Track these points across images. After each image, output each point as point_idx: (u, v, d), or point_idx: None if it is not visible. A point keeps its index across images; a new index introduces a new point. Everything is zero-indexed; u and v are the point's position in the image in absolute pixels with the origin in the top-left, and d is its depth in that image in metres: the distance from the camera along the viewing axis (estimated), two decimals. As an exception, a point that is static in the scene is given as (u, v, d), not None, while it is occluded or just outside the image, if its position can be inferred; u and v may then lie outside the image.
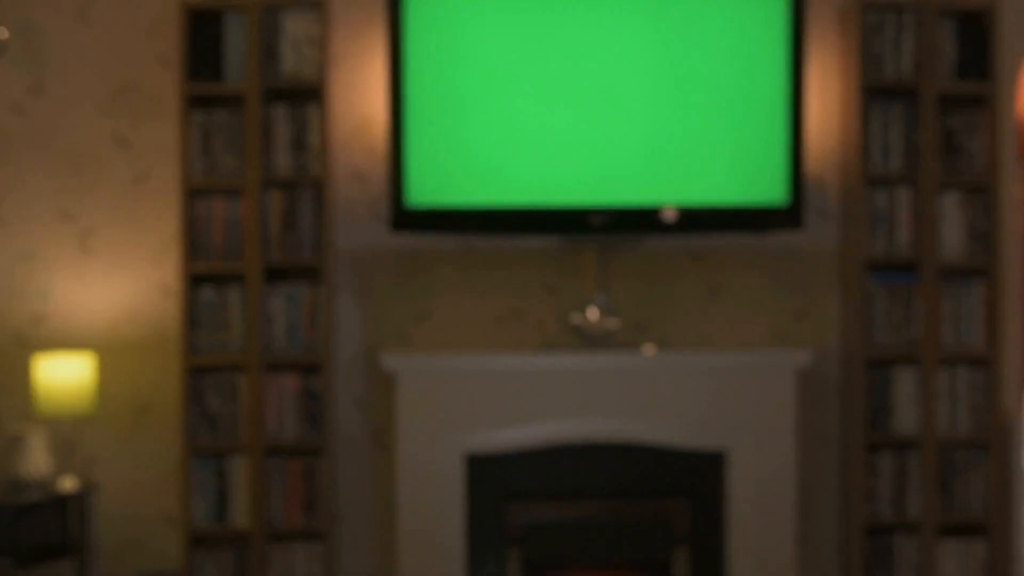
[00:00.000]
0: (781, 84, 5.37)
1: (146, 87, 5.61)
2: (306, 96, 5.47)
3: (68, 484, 5.40)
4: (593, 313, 5.47)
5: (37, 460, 5.38)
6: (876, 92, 5.49)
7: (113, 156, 5.62)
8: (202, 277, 5.45)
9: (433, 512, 5.34)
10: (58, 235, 5.61)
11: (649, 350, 5.45)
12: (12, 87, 5.61)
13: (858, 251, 5.44)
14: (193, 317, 5.41)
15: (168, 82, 5.60)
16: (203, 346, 5.42)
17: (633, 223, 5.42)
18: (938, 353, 5.46)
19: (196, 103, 5.46)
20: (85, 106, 5.61)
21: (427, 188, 5.37)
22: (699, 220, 5.40)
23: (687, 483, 5.45)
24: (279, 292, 5.43)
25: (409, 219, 5.38)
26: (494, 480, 5.45)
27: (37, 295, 5.60)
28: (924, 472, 5.46)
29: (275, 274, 5.48)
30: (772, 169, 5.39)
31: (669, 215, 5.37)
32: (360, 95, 5.58)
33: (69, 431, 5.60)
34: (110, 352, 5.59)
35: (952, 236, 5.48)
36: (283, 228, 5.43)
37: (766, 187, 5.40)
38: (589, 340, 5.48)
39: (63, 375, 5.30)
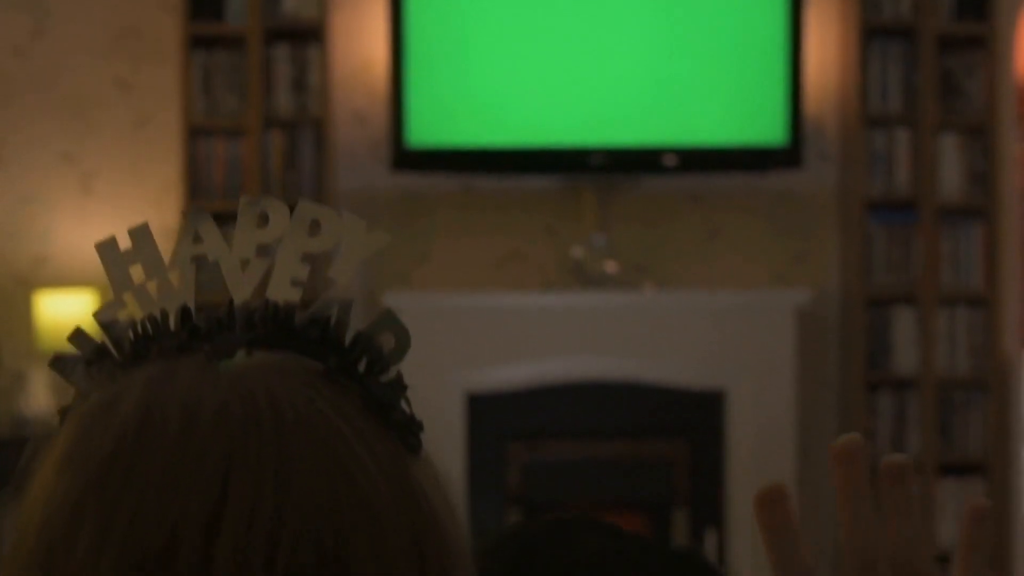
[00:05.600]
0: (780, 24, 5.38)
1: (147, 30, 5.63)
2: (307, 37, 5.49)
3: (69, 422, 5.42)
4: (592, 252, 5.48)
5: (39, 397, 5.40)
6: (875, 32, 5.50)
7: (114, 99, 5.63)
8: (203, 217, 5.45)
9: (434, 450, 5.33)
10: (60, 178, 5.63)
11: (649, 289, 5.46)
12: (13, 30, 5.63)
13: (857, 191, 5.45)
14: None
15: (169, 25, 5.61)
16: (203, 287, 5.43)
17: (632, 163, 5.44)
18: (937, 293, 5.48)
19: (197, 44, 5.47)
20: (86, 49, 5.63)
21: (427, 127, 5.38)
22: (698, 160, 5.42)
23: (686, 422, 5.47)
24: (280, 231, 5.44)
25: (409, 158, 5.39)
26: (494, 419, 5.46)
27: (39, 237, 5.62)
28: (923, 412, 5.47)
29: (276, 214, 5.49)
30: (771, 109, 5.40)
31: (669, 159, 5.39)
32: (361, 36, 5.60)
33: (71, 371, 5.61)
34: (110, 291, 5.60)
35: (951, 176, 5.50)
36: (284, 168, 5.45)
37: (765, 127, 5.41)
38: (588, 280, 5.49)
39: (64, 313, 5.32)
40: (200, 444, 0.70)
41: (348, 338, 0.76)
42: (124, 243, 0.82)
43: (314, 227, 0.78)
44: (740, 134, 5.41)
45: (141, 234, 0.81)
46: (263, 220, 0.79)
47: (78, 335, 0.81)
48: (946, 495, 5.48)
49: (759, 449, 5.39)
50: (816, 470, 5.67)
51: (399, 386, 0.76)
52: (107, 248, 0.81)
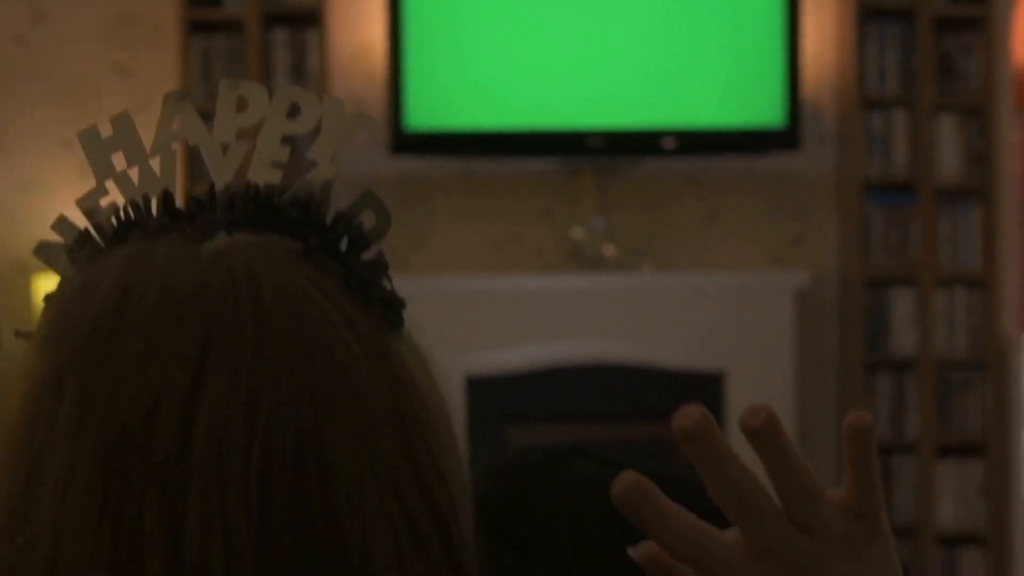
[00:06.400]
0: (778, 5, 5.39)
1: (146, 15, 5.64)
2: (305, 21, 5.49)
3: (70, 406, 5.42)
4: (591, 235, 5.49)
5: (39, 381, 5.41)
6: (872, 14, 5.50)
7: (114, 85, 5.64)
8: (202, 201, 5.46)
9: (433, 433, 5.35)
10: (59, 164, 5.63)
11: (648, 272, 5.47)
12: (12, 17, 5.64)
13: (855, 173, 5.46)
14: (193, 241, 5.44)
15: (168, 11, 5.62)
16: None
17: (631, 146, 5.44)
18: (936, 274, 5.48)
19: (196, 29, 5.48)
20: (85, 35, 5.64)
21: (426, 111, 5.39)
22: (696, 142, 5.42)
23: (685, 404, 5.46)
24: (279, 216, 5.45)
25: (408, 142, 5.40)
26: (494, 402, 5.47)
27: (38, 223, 5.63)
28: (922, 393, 5.47)
29: (275, 198, 5.50)
30: (769, 91, 5.41)
31: (667, 141, 5.39)
32: (359, 20, 5.61)
33: (71, 357, 5.62)
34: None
35: (948, 158, 5.50)
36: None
37: (763, 109, 5.41)
38: (587, 263, 5.50)
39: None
40: (179, 317, 0.70)
41: (329, 218, 0.77)
42: (106, 131, 0.83)
43: (294, 110, 0.79)
44: (738, 116, 5.41)
45: (122, 122, 0.82)
46: (243, 104, 0.80)
47: (61, 222, 0.82)
48: (945, 477, 5.49)
49: (758, 431, 5.39)
50: (816, 451, 5.68)
51: (380, 264, 0.77)
52: (89, 136, 0.82)
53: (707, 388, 5.45)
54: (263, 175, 0.78)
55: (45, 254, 0.82)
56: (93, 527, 0.67)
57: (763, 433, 0.72)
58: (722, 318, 5.40)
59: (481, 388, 5.45)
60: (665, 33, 5.39)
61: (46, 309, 0.77)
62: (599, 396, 5.45)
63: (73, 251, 0.80)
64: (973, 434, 5.49)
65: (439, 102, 5.39)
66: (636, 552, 0.75)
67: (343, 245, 0.76)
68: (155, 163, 0.82)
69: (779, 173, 5.65)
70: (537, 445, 1.17)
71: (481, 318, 5.39)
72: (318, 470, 0.69)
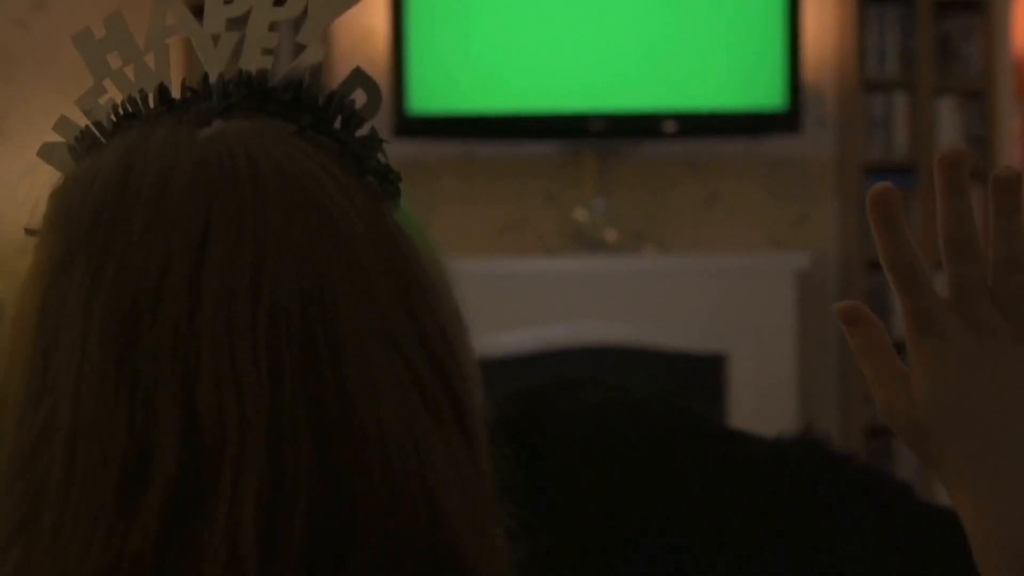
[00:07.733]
0: (777, -12, 5.40)
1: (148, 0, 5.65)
2: (307, 6, 5.50)
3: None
4: (592, 218, 5.50)
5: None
6: (872, -3, 5.52)
7: (116, 70, 5.66)
8: (205, 186, 5.48)
9: (435, 415, 5.36)
10: (62, 149, 5.65)
11: (649, 254, 5.48)
12: (14, 3, 5.66)
13: (855, 156, 5.47)
14: (196, 225, 5.45)
15: (170, -4, 5.64)
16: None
17: (632, 129, 5.46)
18: (935, 257, 5.47)
19: (197, 15, 5.48)
20: (87, 21, 5.64)
21: (428, 94, 5.40)
22: (697, 125, 5.44)
23: (687, 386, 5.48)
24: (281, 200, 5.46)
25: (410, 125, 5.42)
26: (496, 384, 5.47)
27: (41, 208, 5.64)
28: (923, 374, 5.48)
29: (277, 182, 5.51)
30: (770, 74, 5.42)
31: (668, 125, 5.40)
32: (362, 4, 5.60)
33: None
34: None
35: (948, 140, 5.51)
36: (285, 137, 5.47)
37: (764, 92, 5.42)
38: (589, 246, 5.51)
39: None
40: (180, 193, 0.72)
41: (321, 99, 0.79)
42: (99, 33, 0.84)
43: (280, -3, 0.81)
44: (739, 99, 5.42)
45: (115, 22, 0.84)
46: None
47: (62, 122, 0.84)
48: (946, 457, 5.49)
49: (760, 412, 5.41)
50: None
51: (374, 139, 0.79)
52: (83, 38, 0.83)
53: (708, 370, 5.46)
54: (255, 62, 0.80)
55: (48, 154, 0.84)
56: (110, 395, 0.69)
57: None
58: (723, 300, 5.42)
59: (484, 371, 5.44)
60: (666, 16, 5.41)
61: (51, 200, 0.79)
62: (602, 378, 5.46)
63: (74, 148, 0.82)
64: (974, 415, 5.49)
65: (441, 86, 5.40)
66: (838, 306, 0.86)
67: (337, 124, 0.78)
68: (149, 59, 0.83)
69: (780, 156, 5.66)
70: (551, 375, 1.19)
71: (483, 301, 5.40)
72: (325, 335, 0.70)
